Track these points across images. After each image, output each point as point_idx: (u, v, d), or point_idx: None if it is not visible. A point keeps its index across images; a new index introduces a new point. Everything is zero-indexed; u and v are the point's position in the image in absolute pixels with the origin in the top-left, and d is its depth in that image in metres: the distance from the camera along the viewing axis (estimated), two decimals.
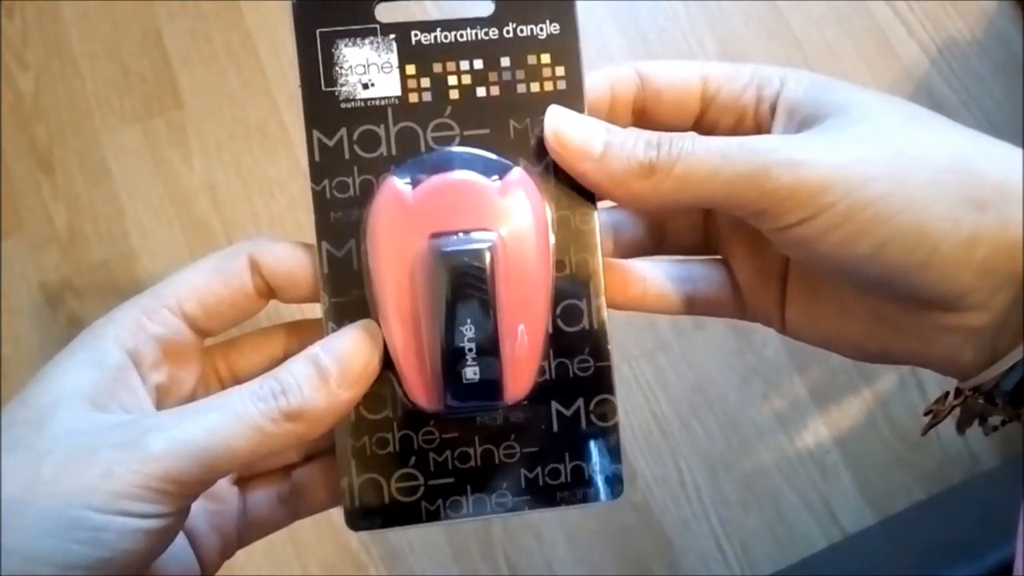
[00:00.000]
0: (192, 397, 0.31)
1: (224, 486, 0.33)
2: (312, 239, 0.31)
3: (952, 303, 0.28)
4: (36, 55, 0.96)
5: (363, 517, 0.31)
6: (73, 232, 0.91)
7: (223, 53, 0.96)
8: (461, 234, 0.29)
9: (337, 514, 0.31)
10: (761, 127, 0.32)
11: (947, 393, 0.33)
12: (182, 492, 0.26)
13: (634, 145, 0.29)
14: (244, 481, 0.34)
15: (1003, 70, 0.94)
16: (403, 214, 0.30)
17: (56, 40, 0.96)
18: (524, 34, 0.31)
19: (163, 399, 0.30)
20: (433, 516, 0.31)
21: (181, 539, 0.31)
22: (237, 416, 0.26)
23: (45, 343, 0.89)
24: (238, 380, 0.30)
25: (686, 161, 0.28)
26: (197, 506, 0.32)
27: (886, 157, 0.27)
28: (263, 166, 0.93)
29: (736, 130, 0.32)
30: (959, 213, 0.26)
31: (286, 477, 0.34)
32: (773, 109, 0.31)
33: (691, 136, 0.29)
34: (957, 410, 0.33)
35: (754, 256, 0.34)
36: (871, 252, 0.27)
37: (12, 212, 0.92)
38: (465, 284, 0.29)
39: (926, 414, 0.34)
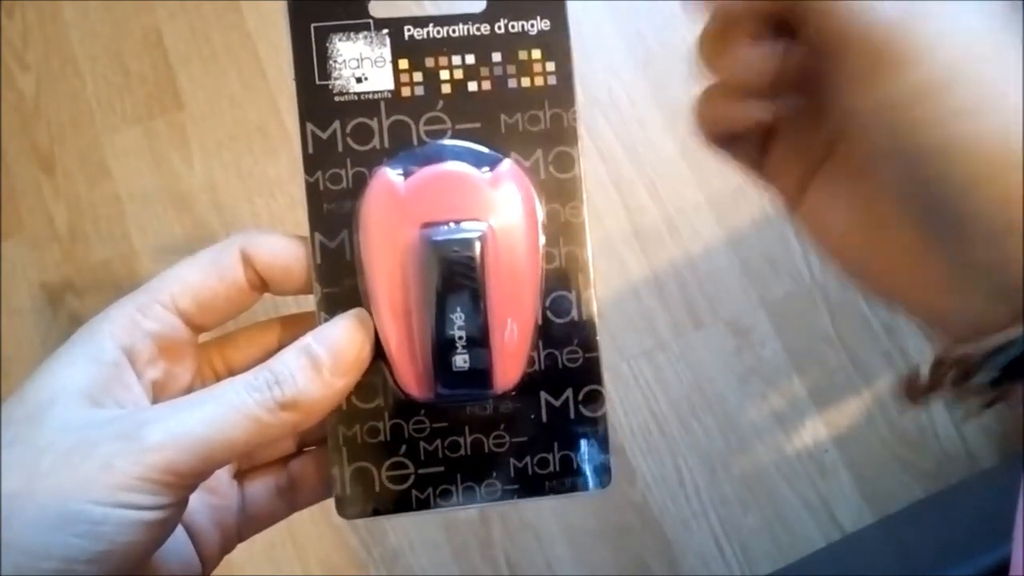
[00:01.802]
0: (188, 392, 0.32)
1: (224, 480, 0.33)
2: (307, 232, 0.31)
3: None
4: (37, 56, 0.96)
5: (353, 505, 0.31)
6: (74, 232, 0.92)
7: (223, 54, 0.97)
8: (452, 224, 0.30)
9: (337, 512, 0.32)
10: None
11: (916, 366, 0.30)
12: (181, 483, 0.26)
13: None
14: (242, 474, 0.34)
15: None
16: (395, 204, 0.30)
17: (57, 41, 0.97)
18: (515, 30, 0.31)
19: (159, 395, 0.31)
20: (423, 504, 0.32)
21: (181, 534, 0.31)
22: (233, 407, 0.27)
23: (46, 342, 0.89)
24: (234, 374, 0.31)
25: None
26: (197, 500, 0.32)
27: None
28: (263, 166, 0.93)
29: None
30: None
31: (283, 468, 0.34)
32: None
33: None
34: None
35: (807, 120, 0.30)
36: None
37: (13, 212, 0.92)
38: (455, 273, 0.29)
39: (898, 394, 0.31)
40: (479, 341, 0.29)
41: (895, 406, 0.86)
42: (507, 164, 0.31)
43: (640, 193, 0.93)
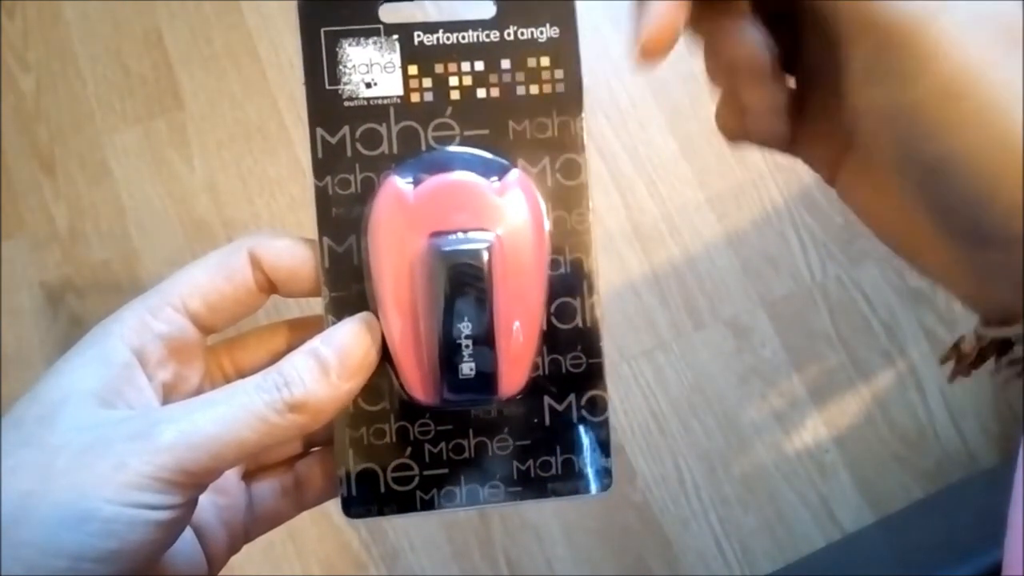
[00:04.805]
0: (197, 393, 0.32)
1: (232, 480, 0.34)
2: (313, 236, 0.32)
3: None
4: (37, 56, 0.96)
5: (359, 505, 0.32)
6: (74, 232, 0.92)
7: (224, 54, 0.97)
8: (460, 233, 0.30)
9: (337, 512, 0.32)
10: None
11: (961, 337, 0.30)
12: (192, 483, 0.26)
13: None
14: (250, 475, 0.34)
15: None
16: (404, 212, 0.30)
17: (57, 41, 0.97)
18: (524, 37, 0.31)
19: (168, 396, 0.31)
20: (427, 505, 0.32)
21: (189, 534, 0.31)
22: (243, 407, 0.27)
23: (46, 343, 0.89)
24: (242, 376, 0.31)
25: None
26: (206, 500, 0.32)
27: None
28: (263, 166, 0.93)
29: None
30: None
31: (290, 469, 0.34)
32: None
33: None
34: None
35: (831, 103, 0.29)
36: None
37: (13, 212, 0.92)
38: (463, 283, 0.29)
39: (943, 362, 0.31)
40: (485, 349, 0.30)
41: (894, 405, 0.87)
42: (515, 174, 0.31)
43: (640, 193, 0.93)
